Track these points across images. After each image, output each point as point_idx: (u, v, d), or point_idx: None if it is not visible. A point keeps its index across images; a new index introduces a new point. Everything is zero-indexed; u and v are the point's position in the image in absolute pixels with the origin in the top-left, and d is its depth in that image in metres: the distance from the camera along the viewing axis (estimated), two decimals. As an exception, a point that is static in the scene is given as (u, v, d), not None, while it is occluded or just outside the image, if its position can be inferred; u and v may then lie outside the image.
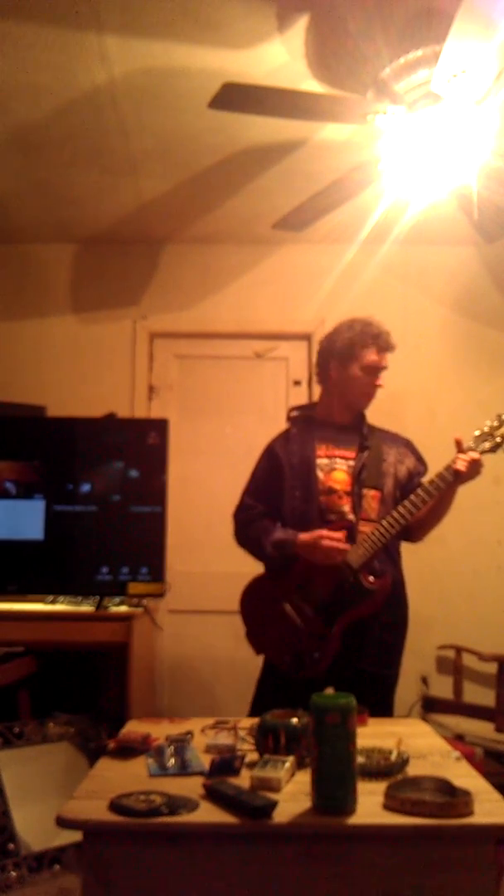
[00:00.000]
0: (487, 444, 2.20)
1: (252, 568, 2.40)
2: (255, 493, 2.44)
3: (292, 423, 2.51)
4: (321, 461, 2.33)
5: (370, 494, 2.29)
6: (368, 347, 2.34)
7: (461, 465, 2.17)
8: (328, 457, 2.34)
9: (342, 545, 2.20)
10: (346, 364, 2.37)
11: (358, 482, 2.30)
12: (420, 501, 2.20)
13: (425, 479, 2.29)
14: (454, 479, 2.19)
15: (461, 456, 2.19)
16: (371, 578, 2.23)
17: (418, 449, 2.47)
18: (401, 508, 2.21)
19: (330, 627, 2.22)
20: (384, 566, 2.27)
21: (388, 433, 2.45)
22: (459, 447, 2.20)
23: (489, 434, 2.21)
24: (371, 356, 2.34)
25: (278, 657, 2.30)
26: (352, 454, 2.35)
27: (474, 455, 2.18)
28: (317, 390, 3.65)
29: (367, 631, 2.24)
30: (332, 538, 2.19)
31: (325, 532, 2.21)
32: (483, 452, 2.20)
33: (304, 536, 2.23)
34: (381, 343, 2.35)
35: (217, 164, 3.02)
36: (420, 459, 2.44)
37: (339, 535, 2.21)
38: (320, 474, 2.31)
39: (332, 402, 2.43)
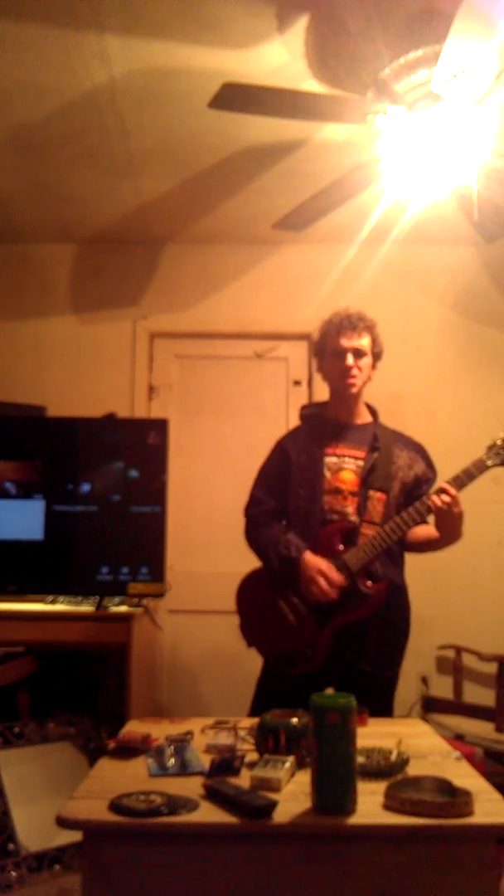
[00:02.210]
0: (499, 459, 2.19)
1: (251, 567, 2.40)
2: (266, 487, 2.42)
3: (304, 420, 2.50)
4: (329, 460, 2.32)
5: (376, 497, 2.27)
6: (332, 335, 2.36)
7: (435, 503, 2.17)
8: (337, 455, 2.33)
9: (331, 594, 2.18)
10: (323, 357, 2.42)
11: (365, 483, 2.28)
12: (425, 510, 2.19)
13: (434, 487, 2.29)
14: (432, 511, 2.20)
15: (434, 497, 2.17)
16: (369, 583, 2.22)
17: (430, 455, 2.44)
18: (404, 515, 2.20)
19: (322, 628, 2.22)
20: (386, 569, 2.26)
21: (402, 436, 2.43)
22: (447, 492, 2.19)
23: (502, 447, 2.20)
24: (335, 341, 2.35)
25: (268, 652, 2.30)
26: (361, 454, 2.33)
27: (445, 500, 2.16)
28: (316, 390, 3.66)
29: (367, 632, 2.23)
30: (328, 582, 2.18)
31: (325, 571, 2.19)
32: (494, 465, 2.19)
33: (308, 559, 2.21)
34: (344, 326, 2.34)
35: (217, 164, 3.02)
36: (430, 466, 2.42)
37: (338, 581, 2.18)
38: (327, 473, 2.30)
39: (334, 399, 2.44)
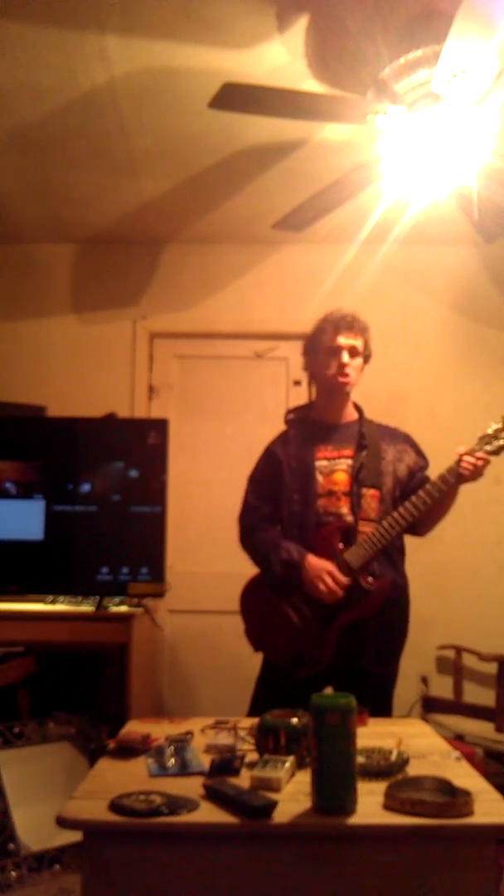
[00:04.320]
0: (490, 447, 2.19)
1: (251, 568, 2.40)
2: (259, 493, 2.42)
3: (289, 425, 2.50)
4: (321, 464, 2.32)
5: (369, 494, 2.28)
6: (327, 332, 2.36)
7: (466, 467, 2.16)
8: (328, 458, 2.33)
9: (338, 592, 2.19)
10: (315, 355, 2.41)
11: (357, 482, 2.29)
12: (421, 503, 2.20)
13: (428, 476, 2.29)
14: (456, 480, 2.19)
15: (467, 458, 2.17)
16: (370, 580, 2.23)
17: (417, 443, 2.45)
18: (401, 510, 2.21)
19: (327, 628, 2.22)
20: (383, 569, 2.27)
21: (387, 428, 2.44)
22: (461, 458, 2.18)
23: (493, 437, 2.20)
24: (329, 338, 2.35)
25: (277, 655, 2.30)
26: (349, 453, 2.33)
27: (480, 456, 2.16)
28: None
29: (366, 630, 2.24)
30: (335, 581, 2.19)
31: (331, 572, 2.20)
32: (487, 455, 2.19)
33: (312, 561, 2.22)
34: (342, 325, 2.35)
35: (217, 164, 3.02)
36: (420, 454, 2.43)
37: (344, 580, 2.19)
38: (320, 477, 2.31)
39: (323, 399, 2.44)
